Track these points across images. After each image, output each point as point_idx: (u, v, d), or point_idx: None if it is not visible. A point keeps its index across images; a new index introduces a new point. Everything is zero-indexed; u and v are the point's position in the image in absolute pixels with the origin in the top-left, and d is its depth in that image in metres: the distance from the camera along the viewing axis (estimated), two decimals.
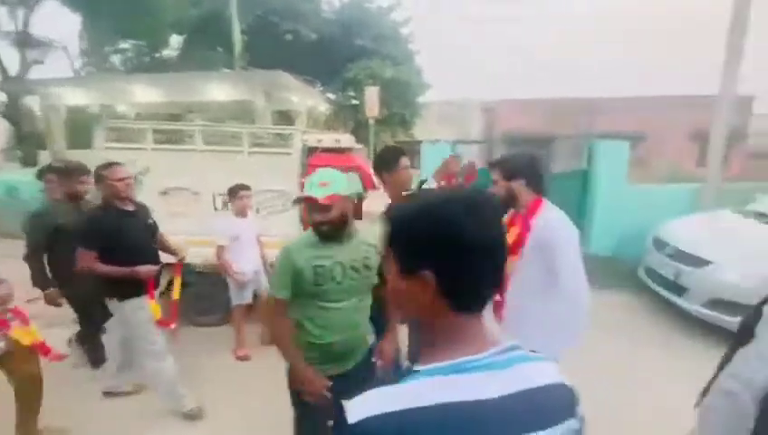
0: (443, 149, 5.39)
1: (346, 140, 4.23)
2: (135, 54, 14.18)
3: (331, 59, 13.24)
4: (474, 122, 15.93)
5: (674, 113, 15.62)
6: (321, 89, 12.87)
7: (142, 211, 2.58)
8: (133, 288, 2.39)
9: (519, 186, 1.73)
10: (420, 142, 6.51)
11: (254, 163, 3.52)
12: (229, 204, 3.23)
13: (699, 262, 3.59)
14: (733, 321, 3.30)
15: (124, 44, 13.80)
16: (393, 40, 13.70)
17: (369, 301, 1.70)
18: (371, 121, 6.51)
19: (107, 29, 11.93)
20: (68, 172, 2.88)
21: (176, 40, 14.48)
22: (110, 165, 2.39)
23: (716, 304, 3.39)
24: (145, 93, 7.77)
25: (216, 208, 3.56)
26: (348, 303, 1.59)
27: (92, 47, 13.33)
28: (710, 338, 3.44)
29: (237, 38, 9.66)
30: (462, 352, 0.59)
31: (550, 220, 1.67)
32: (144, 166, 3.45)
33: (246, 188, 3.16)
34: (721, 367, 0.77)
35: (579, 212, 5.46)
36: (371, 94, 5.98)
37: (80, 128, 6.50)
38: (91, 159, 3.02)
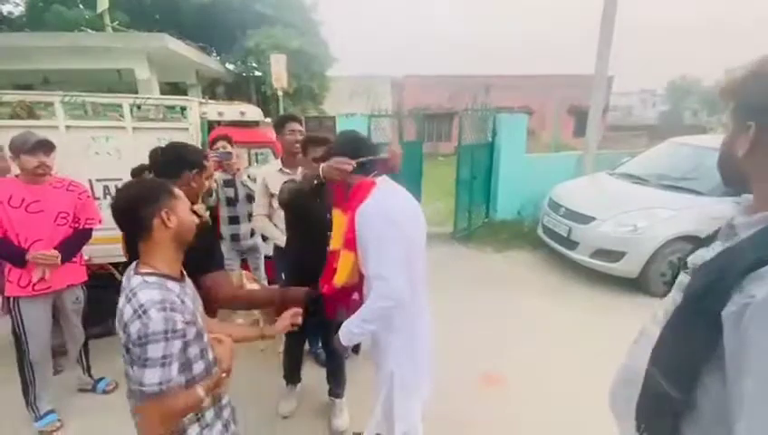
0: (359, 122, 5.27)
1: (252, 112, 3.84)
2: None
3: (227, 25, 11.82)
4: (384, 97, 15.98)
5: (554, 90, 17.70)
6: (218, 58, 11.51)
7: None
8: None
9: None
10: (333, 117, 6.26)
11: (139, 141, 2.97)
12: None
13: (585, 219, 4.13)
14: (612, 266, 3.90)
15: None
16: (296, 8, 12.75)
17: None
18: (280, 93, 5.99)
19: None
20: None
21: None
22: None
23: (600, 253, 3.96)
24: None
25: (95, 198, 2.95)
26: None
27: None
28: (595, 284, 4.04)
29: None
30: None
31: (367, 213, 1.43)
32: None
33: None
34: None
35: (488, 181, 5.88)
36: (278, 62, 5.45)
37: None
38: None
